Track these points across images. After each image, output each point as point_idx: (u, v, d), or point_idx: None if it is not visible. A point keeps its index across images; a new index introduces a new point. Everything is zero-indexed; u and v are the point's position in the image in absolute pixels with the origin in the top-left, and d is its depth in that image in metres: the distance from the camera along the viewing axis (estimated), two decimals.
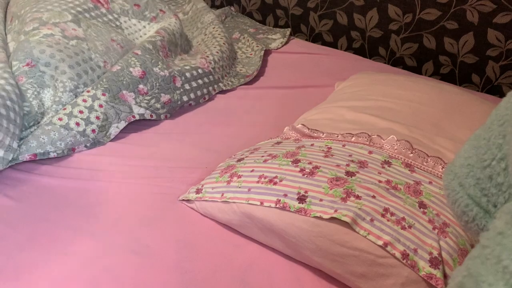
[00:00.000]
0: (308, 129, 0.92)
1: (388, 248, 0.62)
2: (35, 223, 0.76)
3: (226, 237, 0.77)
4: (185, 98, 1.14)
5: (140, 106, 1.05)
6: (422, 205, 0.68)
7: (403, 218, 0.65)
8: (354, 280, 0.65)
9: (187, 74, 1.17)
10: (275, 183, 0.74)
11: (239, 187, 0.76)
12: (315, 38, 1.64)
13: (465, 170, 0.44)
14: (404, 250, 0.62)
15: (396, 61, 1.49)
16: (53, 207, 0.79)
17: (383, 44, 1.49)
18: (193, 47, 1.42)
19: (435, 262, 0.61)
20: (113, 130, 1.01)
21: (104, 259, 0.70)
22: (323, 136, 0.88)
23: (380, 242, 0.62)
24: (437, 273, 0.60)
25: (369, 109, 0.95)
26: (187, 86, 1.16)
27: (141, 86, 1.07)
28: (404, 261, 0.61)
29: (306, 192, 0.70)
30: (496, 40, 1.26)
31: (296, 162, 0.78)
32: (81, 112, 0.96)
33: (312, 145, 0.85)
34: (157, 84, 1.09)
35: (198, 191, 0.81)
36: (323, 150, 0.81)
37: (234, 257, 0.73)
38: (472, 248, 0.65)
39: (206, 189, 0.80)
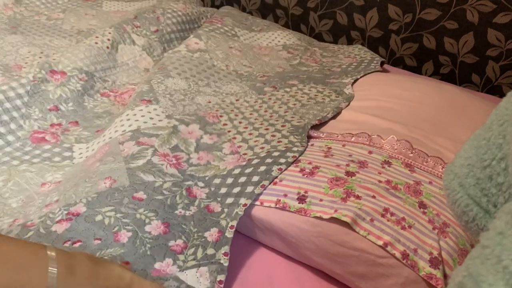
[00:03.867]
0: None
1: (388, 248, 0.62)
2: None
3: None
4: None
5: None
6: (422, 205, 0.68)
7: (403, 218, 0.65)
8: (354, 280, 0.65)
9: None
10: (275, 183, 0.74)
11: None
12: (315, 38, 1.64)
13: (465, 170, 0.44)
14: (404, 250, 0.62)
15: (396, 61, 1.49)
16: None
17: (383, 44, 1.49)
18: None
19: (435, 262, 0.61)
20: None
21: None
22: (323, 136, 0.88)
23: (380, 242, 0.62)
24: (437, 273, 0.60)
25: (369, 109, 0.95)
26: None
27: None
28: (404, 261, 0.61)
29: (306, 192, 0.70)
30: (496, 40, 1.26)
31: (296, 162, 0.78)
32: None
33: (312, 145, 0.85)
34: None
35: None
36: (323, 150, 0.81)
37: (234, 257, 0.72)
38: (472, 248, 0.65)
39: None
